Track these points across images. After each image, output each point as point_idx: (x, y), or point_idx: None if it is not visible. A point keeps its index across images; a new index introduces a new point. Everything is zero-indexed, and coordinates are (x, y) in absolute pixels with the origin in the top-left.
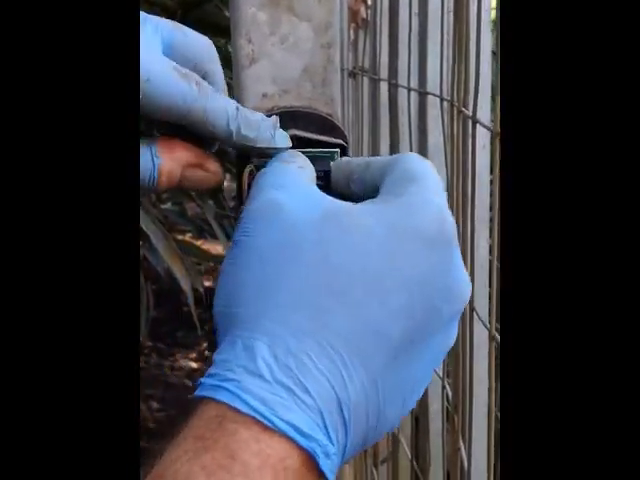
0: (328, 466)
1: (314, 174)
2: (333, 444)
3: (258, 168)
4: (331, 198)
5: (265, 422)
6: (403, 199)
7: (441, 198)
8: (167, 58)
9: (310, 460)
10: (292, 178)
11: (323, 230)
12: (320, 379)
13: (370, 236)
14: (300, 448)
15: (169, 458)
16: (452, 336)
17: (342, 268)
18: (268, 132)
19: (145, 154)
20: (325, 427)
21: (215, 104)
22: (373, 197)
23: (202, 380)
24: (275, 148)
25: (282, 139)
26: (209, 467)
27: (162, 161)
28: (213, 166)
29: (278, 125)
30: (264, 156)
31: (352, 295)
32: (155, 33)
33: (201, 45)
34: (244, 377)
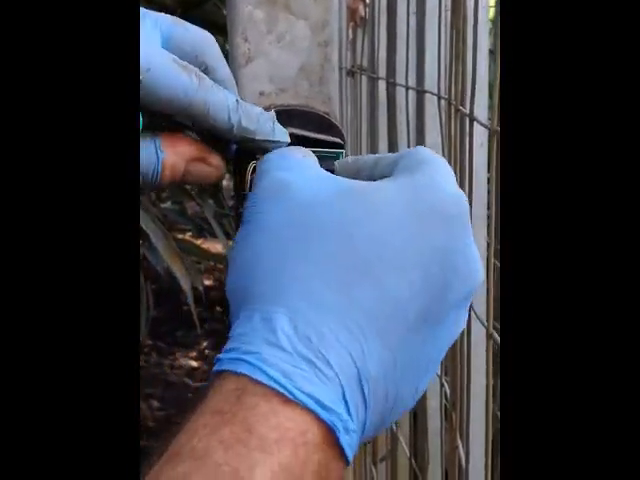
0: (348, 442)
1: (317, 163)
2: (353, 420)
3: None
4: (342, 177)
5: (286, 394)
6: (418, 177)
7: (453, 180)
8: (166, 51)
9: (330, 435)
10: (297, 161)
11: (341, 206)
12: (341, 352)
13: (388, 212)
14: (320, 421)
15: (186, 434)
16: (463, 319)
17: (362, 243)
18: (268, 125)
19: (149, 148)
20: (345, 401)
21: (215, 97)
22: None
23: (219, 356)
24: (275, 141)
25: (281, 133)
26: (227, 441)
27: (166, 155)
28: (215, 160)
29: (276, 119)
30: (265, 151)
31: (374, 270)
32: (154, 27)
33: (201, 39)
34: (264, 349)
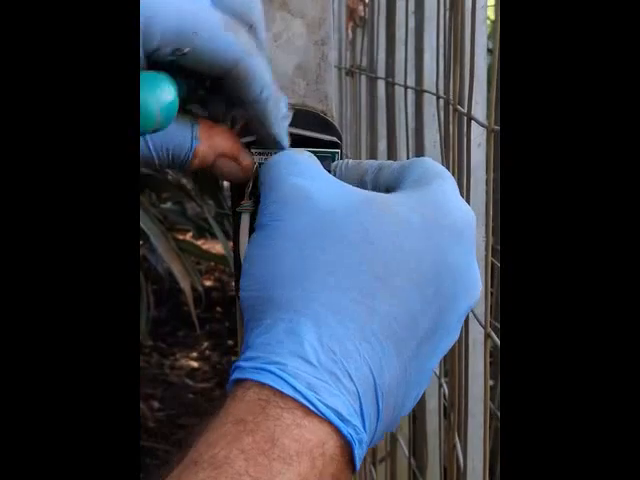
0: (359, 454)
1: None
2: (366, 432)
3: (260, 165)
4: (355, 188)
5: (310, 407)
6: (432, 191)
7: (459, 194)
8: (215, 9)
9: (346, 447)
10: (308, 166)
11: (362, 218)
12: (361, 364)
13: (406, 224)
14: (338, 433)
15: (205, 442)
16: (459, 330)
17: (383, 254)
18: (283, 125)
19: (186, 133)
20: (362, 413)
21: (259, 66)
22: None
23: (240, 364)
24: (278, 141)
25: (286, 136)
26: (249, 451)
27: (199, 144)
28: (246, 160)
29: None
30: (263, 150)
31: (393, 281)
32: None
33: None
34: (290, 360)
